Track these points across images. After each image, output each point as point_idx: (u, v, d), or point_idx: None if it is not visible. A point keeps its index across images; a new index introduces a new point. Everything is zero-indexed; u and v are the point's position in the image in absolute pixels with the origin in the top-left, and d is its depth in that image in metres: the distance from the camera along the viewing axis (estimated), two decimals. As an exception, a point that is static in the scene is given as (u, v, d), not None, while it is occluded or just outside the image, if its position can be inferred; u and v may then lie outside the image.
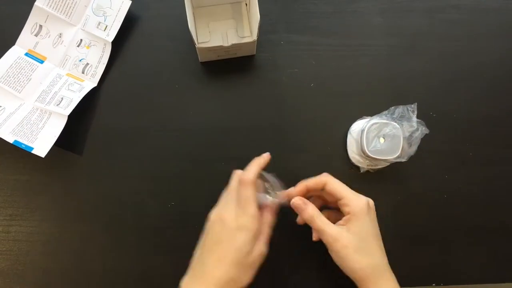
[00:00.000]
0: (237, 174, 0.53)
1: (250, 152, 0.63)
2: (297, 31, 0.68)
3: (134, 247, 0.62)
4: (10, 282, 0.60)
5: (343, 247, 0.49)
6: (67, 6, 0.64)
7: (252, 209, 0.49)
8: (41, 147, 0.61)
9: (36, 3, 0.64)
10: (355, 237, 0.49)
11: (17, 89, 0.64)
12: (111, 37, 0.64)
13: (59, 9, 0.64)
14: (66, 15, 0.65)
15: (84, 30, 0.65)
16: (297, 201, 0.52)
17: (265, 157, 0.55)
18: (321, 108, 0.66)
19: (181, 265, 0.60)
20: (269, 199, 0.53)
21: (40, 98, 0.64)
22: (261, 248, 0.49)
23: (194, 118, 0.65)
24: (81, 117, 0.63)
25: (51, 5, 0.64)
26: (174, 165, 0.64)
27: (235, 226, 0.49)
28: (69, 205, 0.63)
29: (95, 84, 0.65)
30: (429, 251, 0.63)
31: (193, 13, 0.67)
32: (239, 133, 0.65)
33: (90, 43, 0.65)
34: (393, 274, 0.51)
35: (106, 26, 0.64)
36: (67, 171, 0.64)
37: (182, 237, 0.62)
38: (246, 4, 0.68)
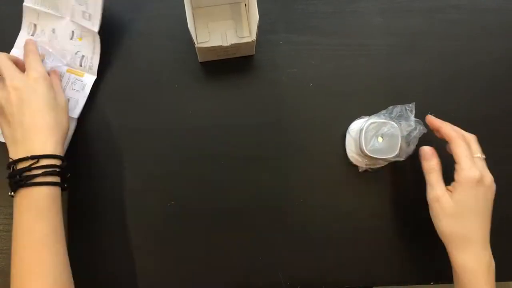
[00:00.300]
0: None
1: (250, 151, 0.63)
2: (297, 31, 0.68)
3: (134, 246, 0.62)
4: (8, 281, 0.61)
5: (440, 208, 0.53)
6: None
7: (37, 63, 0.56)
8: None
9: (24, 3, 0.64)
10: (453, 205, 0.52)
11: None
12: (96, 27, 0.64)
13: (46, 4, 0.64)
14: (54, 9, 0.65)
15: (73, 21, 0.65)
16: (427, 150, 0.57)
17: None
18: (320, 108, 0.66)
19: (181, 264, 0.61)
20: (47, 62, 0.62)
21: None
22: (62, 94, 0.58)
23: (193, 117, 0.65)
24: (80, 116, 0.64)
25: (38, 2, 0.64)
26: (173, 164, 0.64)
27: (30, 81, 0.54)
28: (68, 205, 0.63)
29: (94, 76, 0.66)
30: (430, 249, 0.63)
31: (193, 13, 0.67)
32: (238, 133, 0.65)
33: (81, 34, 0.65)
34: (481, 249, 0.53)
35: (90, 15, 0.64)
36: (66, 170, 0.64)
37: (182, 236, 0.62)
38: (245, 5, 0.68)
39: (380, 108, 0.64)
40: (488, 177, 0.53)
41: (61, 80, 0.62)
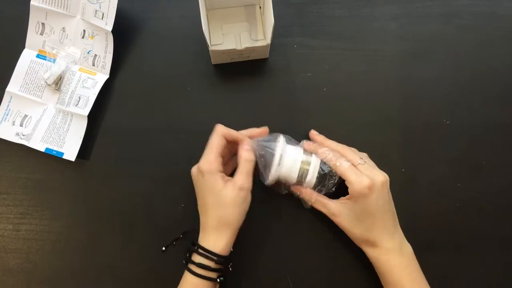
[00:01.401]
0: (218, 127, 0.57)
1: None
2: (311, 35, 0.68)
3: (143, 248, 0.62)
4: (19, 280, 0.61)
5: (339, 221, 0.56)
6: None
7: (210, 155, 0.53)
8: (70, 151, 0.63)
9: (32, 3, 0.64)
10: (349, 216, 0.55)
11: (38, 94, 0.65)
12: (109, 26, 0.63)
13: (54, 3, 0.64)
14: (64, 8, 0.65)
15: (84, 20, 0.65)
16: (295, 189, 0.58)
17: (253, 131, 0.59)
18: (333, 113, 0.66)
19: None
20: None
21: (60, 100, 0.64)
22: (237, 183, 0.52)
23: (205, 120, 0.65)
24: (92, 117, 0.63)
25: (46, 1, 0.64)
26: (184, 167, 0.63)
27: (197, 171, 0.54)
28: (79, 205, 0.63)
29: (107, 76, 0.65)
30: (441, 259, 0.62)
31: (207, 15, 0.67)
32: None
33: (93, 33, 0.65)
34: (393, 242, 0.55)
35: (103, 14, 0.63)
36: (77, 170, 0.64)
37: (192, 239, 0.62)
38: (260, 7, 0.67)
39: (393, 113, 0.64)
40: (379, 176, 0.54)
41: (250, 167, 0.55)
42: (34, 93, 0.65)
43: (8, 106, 0.65)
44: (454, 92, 0.67)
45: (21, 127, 0.64)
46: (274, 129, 0.64)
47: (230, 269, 0.55)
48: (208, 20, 0.67)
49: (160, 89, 0.66)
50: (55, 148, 0.63)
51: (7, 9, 0.69)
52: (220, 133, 0.55)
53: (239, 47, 0.61)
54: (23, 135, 0.64)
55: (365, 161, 0.56)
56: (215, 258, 0.51)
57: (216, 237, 0.52)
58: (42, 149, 0.63)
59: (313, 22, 0.68)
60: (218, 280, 0.52)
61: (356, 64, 0.67)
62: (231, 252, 0.54)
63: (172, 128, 0.64)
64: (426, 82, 0.67)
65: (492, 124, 0.66)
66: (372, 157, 0.63)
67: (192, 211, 0.61)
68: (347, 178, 0.54)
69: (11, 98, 0.65)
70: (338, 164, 0.55)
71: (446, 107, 0.66)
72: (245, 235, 0.60)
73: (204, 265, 0.51)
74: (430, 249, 0.62)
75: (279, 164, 0.55)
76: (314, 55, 0.67)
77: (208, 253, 0.51)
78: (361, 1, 0.69)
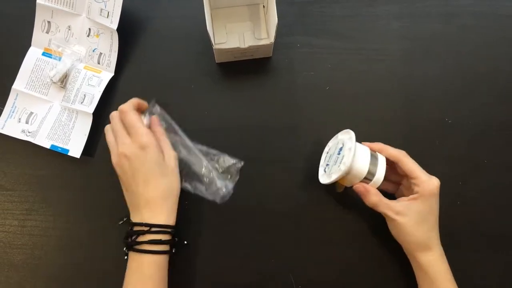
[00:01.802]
0: (113, 113, 0.57)
1: (264, 152, 0.63)
2: (314, 34, 0.68)
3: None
4: (24, 275, 0.61)
5: (405, 221, 0.54)
6: None
7: (142, 128, 0.54)
8: (75, 148, 0.63)
9: (38, 1, 0.65)
10: (417, 215, 0.54)
11: (44, 92, 0.66)
12: (114, 25, 0.64)
13: (60, 2, 0.65)
14: (69, 6, 0.65)
15: (89, 18, 0.65)
16: (360, 188, 0.56)
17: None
18: (335, 111, 0.66)
19: (194, 262, 0.61)
20: (145, 118, 0.59)
21: (65, 97, 0.65)
22: (169, 152, 0.56)
23: (209, 118, 0.66)
24: (97, 114, 0.64)
25: (52, 0, 0.65)
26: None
27: (138, 149, 0.53)
28: (84, 201, 0.63)
29: (112, 73, 0.66)
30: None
31: (211, 14, 0.67)
32: (254, 134, 0.65)
33: (98, 31, 0.66)
34: (441, 247, 0.55)
35: (108, 13, 0.64)
36: (82, 167, 0.64)
37: (197, 235, 0.62)
38: (264, 6, 0.68)
39: (396, 112, 0.65)
40: (436, 179, 0.55)
41: (167, 137, 0.59)
42: (40, 90, 0.66)
43: (14, 103, 0.65)
44: (456, 91, 0.67)
45: (27, 124, 0.65)
46: (277, 127, 0.65)
47: (184, 241, 0.57)
48: (212, 19, 0.68)
49: (164, 87, 0.67)
50: (61, 145, 0.63)
51: (13, 7, 0.70)
52: (132, 108, 0.56)
53: (242, 46, 0.62)
54: (29, 132, 0.64)
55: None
56: (169, 230, 0.53)
57: (166, 209, 0.53)
58: (48, 146, 0.63)
59: (316, 21, 0.69)
60: (173, 251, 0.54)
61: (358, 63, 0.68)
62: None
63: (177, 125, 0.64)
64: (427, 81, 0.68)
65: (493, 123, 0.67)
66: (374, 155, 0.64)
67: (196, 208, 0.62)
68: (418, 177, 0.54)
69: (17, 96, 0.65)
70: (406, 161, 0.55)
71: (448, 106, 0.67)
72: (250, 233, 0.61)
73: (158, 240, 0.52)
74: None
75: (352, 160, 0.54)
76: (317, 54, 0.68)
77: (163, 228, 0.52)
78: (363, 0, 0.70)
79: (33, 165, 0.65)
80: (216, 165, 0.62)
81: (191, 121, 0.65)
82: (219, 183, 0.60)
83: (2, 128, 0.64)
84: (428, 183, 0.53)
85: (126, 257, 0.54)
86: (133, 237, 0.53)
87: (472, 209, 0.63)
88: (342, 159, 0.55)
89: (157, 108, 0.61)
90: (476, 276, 0.62)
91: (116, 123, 0.56)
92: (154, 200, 0.53)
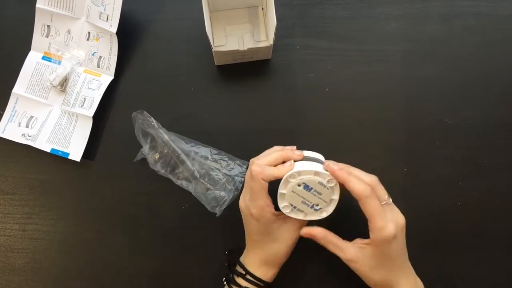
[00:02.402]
0: (251, 162, 0.54)
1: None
2: (313, 35, 0.68)
3: (148, 247, 0.62)
4: (25, 279, 0.61)
5: (357, 267, 0.51)
6: (66, 0, 0.65)
7: (259, 200, 0.51)
8: (76, 151, 0.63)
9: (37, 5, 0.65)
10: (370, 261, 0.50)
11: (44, 96, 0.66)
12: (114, 28, 0.64)
13: (59, 5, 0.65)
14: (69, 10, 0.65)
15: (89, 22, 0.65)
16: (318, 233, 0.52)
17: (287, 151, 0.53)
18: (335, 113, 0.66)
19: (194, 266, 0.61)
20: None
21: (65, 101, 0.65)
22: (291, 224, 0.53)
23: (209, 120, 0.66)
24: (96, 118, 0.64)
25: (51, 4, 0.65)
26: (188, 167, 0.64)
27: (249, 215, 0.52)
28: (85, 205, 0.64)
29: (112, 77, 0.66)
30: (442, 259, 0.62)
31: (210, 17, 0.67)
32: (253, 136, 0.65)
33: (98, 35, 0.66)
34: (411, 281, 0.52)
35: (108, 16, 0.64)
36: (83, 171, 0.64)
37: (195, 239, 0.62)
38: (263, 9, 0.68)
39: (396, 114, 0.65)
40: (400, 221, 0.50)
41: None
42: (40, 94, 0.66)
43: (14, 107, 0.65)
44: (456, 92, 0.67)
45: (27, 128, 0.65)
46: (277, 129, 0.65)
47: None
48: (211, 21, 0.68)
49: (164, 90, 0.67)
50: (61, 149, 0.64)
51: (13, 12, 0.70)
52: (258, 177, 0.50)
53: (242, 48, 0.62)
54: (29, 136, 0.64)
55: (388, 198, 0.51)
56: (262, 285, 0.53)
57: (267, 269, 0.54)
58: (48, 150, 0.64)
59: (315, 23, 0.69)
60: None
61: (358, 64, 0.68)
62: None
63: (175, 128, 0.64)
64: (427, 82, 0.67)
65: (493, 124, 0.66)
66: (374, 156, 0.64)
67: (196, 210, 0.62)
68: (374, 222, 0.48)
69: (17, 100, 0.65)
70: (366, 204, 0.48)
71: (448, 106, 0.66)
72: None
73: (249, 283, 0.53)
74: (431, 248, 0.62)
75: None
76: (316, 56, 0.68)
77: (258, 281, 0.53)
78: (362, 2, 0.70)
79: (34, 169, 0.65)
80: (225, 171, 0.62)
81: (191, 123, 0.65)
82: (217, 193, 0.61)
83: (2, 132, 0.65)
84: (381, 230, 0.47)
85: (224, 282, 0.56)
86: (231, 275, 0.55)
87: (473, 210, 0.63)
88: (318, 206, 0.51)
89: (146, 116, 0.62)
90: (476, 277, 0.62)
91: (247, 178, 0.53)
92: (257, 259, 0.54)
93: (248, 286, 0.53)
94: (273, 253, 0.54)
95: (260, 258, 0.54)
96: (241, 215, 0.55)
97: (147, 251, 0.62)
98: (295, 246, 0.55)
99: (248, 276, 0.53)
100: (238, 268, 0.55)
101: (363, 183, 0.48)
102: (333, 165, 0.50)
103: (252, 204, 0.51)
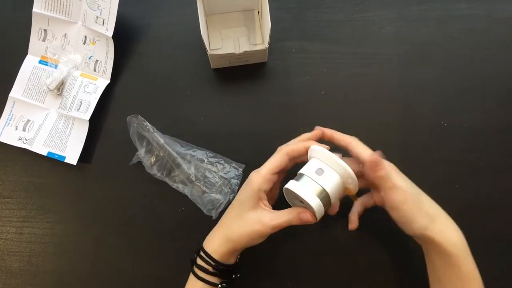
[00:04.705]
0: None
1: (260, 158, 0.63)
2: (309, 39, 0.69)
3: (145, 250, 0.62)
4: (22, 282, 0.61)
5: (412, 202, 0.50)
6: (63, 5, 0.65)
7: (263, 169, 0.50)
8: (72, 155, 0.64)
9: (34, 9, 0.65)
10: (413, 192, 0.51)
11: (40, 99, 0.66)
12: (110, 32, 0.64)
13: (56, 10, 0.66)
14: (65, 14, 0.66)
15: (85, 26, 0.66)
16: (378, 159, 0.49)
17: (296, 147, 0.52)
18: (331, 116, 0.66)
19: (189, 268, 0.60)
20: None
21: (62, 105, 0.65)
22: (265, 218, 0.49)
23: (205, 123, 0.66)
24: (93, 121, 0.64)
25: (48, 8, 0.65)
26: (184, 170, 0.64)
27: (247, 182, 0.51)
28: (81, 208, 0.64)
29: (108, 80, 0.66)
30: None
31: (206, 20, 0.68)
32: (250, 139, 0.65)
33: (94, 39, 0.66)
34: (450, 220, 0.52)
35: (104, 20, 0.64)
36: (80, 174, 0.65)
37: (192, 241, 0.62)
38: (258, 12, 0.68)
39: (391, 116, 0.65)
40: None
41: None
42: (36, 98, 0.66)
43: (11, 111, 0.66)
44: (452, 95, 0.67)
45: (24, 131, 0.65)
46: (272, 132, 0.65)
47: (234, 276, 0.54)
48: (207, 25, 0.68)
49: (160, 93, 0.67)
50: (57, 152, 0.64)
51: (9, 16, 0.70)
52: (284, 152, 0.51)
53: (237, 51, 0.62)
54: (26, 140, 0.65)
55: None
56: (212, 263, 0.51)
57: (220, 244, 0.51)
58: (45, 153, 0.64)
59: (311, 26, 0.69)
60: (219, 286, 0.52)
61: (354, 67, 0.68)
62: (236, 262, 0.53)
63: (172, 131, 0.65)
64: (423, 85, 0.68)
65: (489, 126, 0.66)
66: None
67: (192, 213, 0.62)
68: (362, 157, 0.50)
69: (14, 104, 0.66)
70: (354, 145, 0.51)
71: (444, 109, 0.66)
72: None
73: (204, 268, 0.51)
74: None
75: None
76: (312, 59, 0.68)
77: (207, 257, 0.51)
78: (358, 5, 0.70)
79: (30, 172, 0.65)
80: (221, 174, 0.62)
81: (187, 127, 0.66)
82: (213, 196, 0.61)
83: (-1, 136, 0.65)
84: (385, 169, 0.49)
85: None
86: (195, 255, 0.53)
87: (469, 212, 0.63)
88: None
89: (140, 120, 0.62)
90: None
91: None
92: (216, 230, 0.53)
93: (204, 266, 0.51)
94: (232, 232, 0.51)
95: (219, 232, 0.52)
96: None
97: (143, 254, 0.62)
98: (257, 240, 0.51)
99: (201, 252, 0.52)
100: (203, 255, 0.52)
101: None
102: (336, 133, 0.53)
103: (260, 171, 0.50)
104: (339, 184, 0.48)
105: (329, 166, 0.48)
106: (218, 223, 0.54)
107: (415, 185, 0.52)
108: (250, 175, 0.51)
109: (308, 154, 0.51)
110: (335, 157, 0.48)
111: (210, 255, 0.51)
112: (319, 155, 0.49)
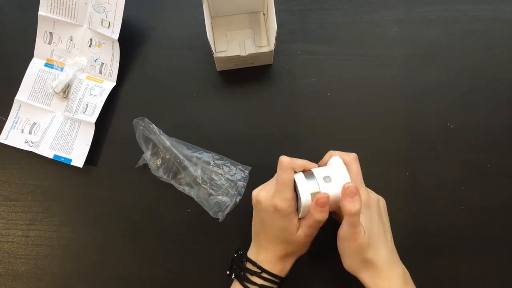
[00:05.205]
0: (280, 159, 0.52)
1: (266, 160, 0.63)
2: (314, 41, 0.69)
3: (151, 253, 0.62)
4: (29, 285, 0.62)
5: (357, 245, 0.48)
6: (69, 7, 0.65)
7: (286, 193, 0.50)
8: (78, 157, 0.64)
9: (39, 12, 0.65)
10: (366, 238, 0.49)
11: (46, 102, 0.66)
12: (115, 35, 0.64)
13: (62, 13, 0.66)
14: (71, 17, 0.66)
15: (91, 29, 0.66)
16: (353, 189, 0.47)
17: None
18: (337, 118, 0.66)
19: (196, 271, 0.61)
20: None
21: (68, 107, 0.65)
22: (304, 230, 0.51)
23: (210, 126, 0.66)
24: (99, 124, 0.64)
25: (53, 11, 0.65)
26: (190, 173, 0.64)
27: (272, 207, 0.50)
28: (88, 211, 0.64)
29: (114, 83, 0.66)
30: (445, 263, 0.62)
31: (211, 23, 0.68)
32: (255, 142, 0.65)
33: (100, 41, 0.66)
34: (388, 268, 0.50)
35: (109, 23, 0.64)
36: (86, 177, 0.65)
37: (197, 244, 0.62)
38: (264, 14, 0.68)
39: (398, 118, 0.65)
40: (371, 197, 0.51)
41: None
42: (42, 101, 0.66)
43: (17, 114, 0.66)
44: (458, 96, 0.67)
45: (30, 134, 0.65)
46: (278, 134, 0.65)
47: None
48: (212, 27, 0.68)
49: (166, 96, 0.67)
50: (63, 155, 0.64)
51: (15, 19, 0.70)
52: (288, 167, 0.50)
53: (243, 54, 0.62)
54: (32, 143, 0.65)
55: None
56: (278, 281, 0.52)
57: (283, 264, 0.53)
58: (51, 156, 0.64)
59: (316, 28, 0.69)
60: None
61: (359, 69, 0.68)
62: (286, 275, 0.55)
63: (177, 134, 0.65)
64: (429, 86, 0.67)
65: (496, 128, 0.66)
66: (377, 161, 0.64)
67: (198, 216, 0.62)
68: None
69: (20, 107, 0.66)
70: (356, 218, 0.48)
71: (450, 111, 0.66)
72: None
73: (266, 286, 0.52)
74: (434, 252, 0.62)
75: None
76: (318, 60, 0.68)
77: (274, 278, 0.52)
78: (363, 7, 0.70)
79: (36, 175, 0.65)
80: (227, 176, 0.62)
81: (193, 129, 0.66)
82: (219, 198, 0.61)
83: (5, 139, 0.65)
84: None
85: (231, 276, 0.55)
86: (244, 272, 0.53)
87: (475, 214, 0.63)
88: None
89: (147, 122, 0.62)
90: (479, 281, 0.61)
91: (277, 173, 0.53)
92: (274, 254, 0.53)
93: (264, 284, 0.52)
94: (290, 250, 0.52)
95: (278, 254, 0.52)
96: (246, 217, 0.55)
97: (149, 257, 0.62)
98: (311, 241, 0.53)
99: (264, 274, 0.52)
100: (251, 266, 0.53)
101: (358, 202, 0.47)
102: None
103: (280, 196, 0.50)
104: (337, 198, 0.49)
105: (338, 179, 0.50)
106: (268, 249, 0.53)
107: (380, 221, 0.51)
108: (275, 204, 0.50)
109: (329, 161, 0.54)
110: (346, 174, 0.50)
111: (277, 275, 0.52)
112: (336, 165, 0.52)
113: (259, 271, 0.52)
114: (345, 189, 0.48)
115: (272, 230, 0.52)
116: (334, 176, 0.50)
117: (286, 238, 0.51)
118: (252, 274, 0.53)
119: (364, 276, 0.49)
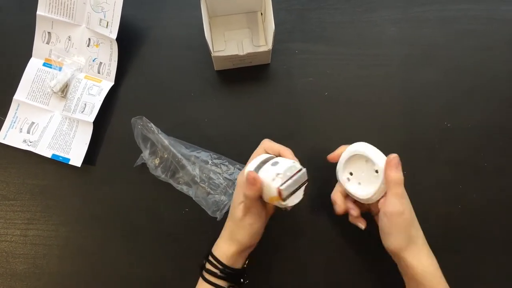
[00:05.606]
0: (262, 142, 0.55)
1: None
2: (312, 40, 0.69)
3: (149, 252, 0.62)
4: (27, 285, 0.62)
5: (403, 220, 0.50)
6: (67, 7, 0.65)
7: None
8: (76, 157, 0.64)
9: (38, 12, 0.66)
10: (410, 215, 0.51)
11: (44, 102, 0.66)
12: (114, 34, 0.65)
13: (60, 12, 0.66)
14: (69, 17, 0.66)
15: (89, 28, 0.66)
16: (397, 159, 0.51)
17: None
18: (335, 117, 0.66)
19: (194, 271, 0.61)
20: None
21: (66, 107, 0.66)
22: (240, 207, 0.51)
23: (209, 125, 0.66)
24: (97, 123, 0.65)
25: (52, 11, 0.66)
26: (188, 172, 0.64)
27: (239, 183, 0.52)
28: (86, 210, 0.64)
29: (112, 82, 0.67)
30: (442, 262, 0.62)
31: (209, 22, 0.68)
32: (253, 140, 0.65)
33: (98, 41, 0.66)
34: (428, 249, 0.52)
35: (107, 23, 0.65)
36: (83, 176, 0.65)
37: (195, 244, 0.62)
38: (262, 14, 0.68)
39: (395, 117, 0.65)
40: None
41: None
42: (41, 100, 0.66)
43: (15, 113, 0.66)
44: (455, 95, 0.67)
45: (28, 134, 0.65)
46: (276, 133, 0.65)
47: (242, 280, 0.54)
48: (210, 27, 0.68)
49: (164, 95, 0.67)
50: (62, 154, 0.64)
51: (14, 19, 0.70)
52: (263, 146, 0.54)
53: (241, 53, 0.62)
54: (30, 142, 0.65)
55: None
56: (220, 266, 0.51)
57: (227, 247, 0.52)
58: (49, 155, 0.64)
59: (314, 27, 0.69)
60: None
61: (357, 68, 0.68)
62: (244, 267, 0.54)
63: (176, 133, 0.65)
64: (426, 86, 0.68)
65: (493, 127, 0.66)
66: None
67: (197, 215, 0.62)
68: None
69: (18, 106, 0.66)
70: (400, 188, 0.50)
71: (447, 110, 0.67)
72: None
73: (213, 271, 0.52)
74: (433, 252, 0.62)
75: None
76: (315, 60, 0.68)
77: (215, 261, 0.52)
78: (361, 6, 0.70)
79: (35, 174, 0.65)
80: (225, 175, 0.63)
81: (191, 128, 0.66)
82: (217, 197, 0.61)
83: (4, 139, 0.65)
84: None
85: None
86: (203, 260, 0.54)
87: (473, 213, 0.63)
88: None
89: (145, 121, 0.62)
90: (477, 280, 0.61)
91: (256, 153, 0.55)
92: (222, 234, 0.54)
93: (212, 269, 0.52)
94: (235, 232, 0.52)
95: (224, 234, 0.53)
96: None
97: (147, 256, 0.62)
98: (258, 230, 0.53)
99: (209, 257, 0.52)
100: (211, 259, 0.53)
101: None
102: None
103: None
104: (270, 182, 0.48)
105: (284, 164, 0.49)
106: (223, 228, 0.54)
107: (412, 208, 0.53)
108: (240, 179, 0.52)
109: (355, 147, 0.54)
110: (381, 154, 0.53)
111: (217, 259, 0.51)
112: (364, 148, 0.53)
113: (209, 254, 0.53)
114: (390, 160, 0.50)
115: (233, 201, 0.53)
116: (282, 161, 0.50)
117: (233, 219, 0.52)
118: (206, 260, 0.53)
119: (408, 255, 0.50)
